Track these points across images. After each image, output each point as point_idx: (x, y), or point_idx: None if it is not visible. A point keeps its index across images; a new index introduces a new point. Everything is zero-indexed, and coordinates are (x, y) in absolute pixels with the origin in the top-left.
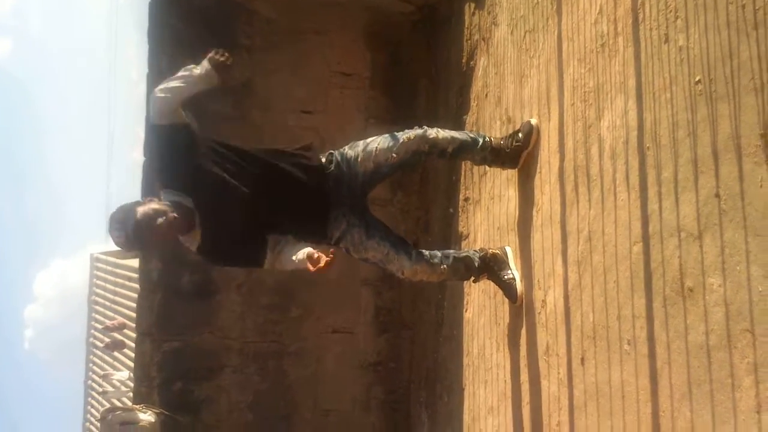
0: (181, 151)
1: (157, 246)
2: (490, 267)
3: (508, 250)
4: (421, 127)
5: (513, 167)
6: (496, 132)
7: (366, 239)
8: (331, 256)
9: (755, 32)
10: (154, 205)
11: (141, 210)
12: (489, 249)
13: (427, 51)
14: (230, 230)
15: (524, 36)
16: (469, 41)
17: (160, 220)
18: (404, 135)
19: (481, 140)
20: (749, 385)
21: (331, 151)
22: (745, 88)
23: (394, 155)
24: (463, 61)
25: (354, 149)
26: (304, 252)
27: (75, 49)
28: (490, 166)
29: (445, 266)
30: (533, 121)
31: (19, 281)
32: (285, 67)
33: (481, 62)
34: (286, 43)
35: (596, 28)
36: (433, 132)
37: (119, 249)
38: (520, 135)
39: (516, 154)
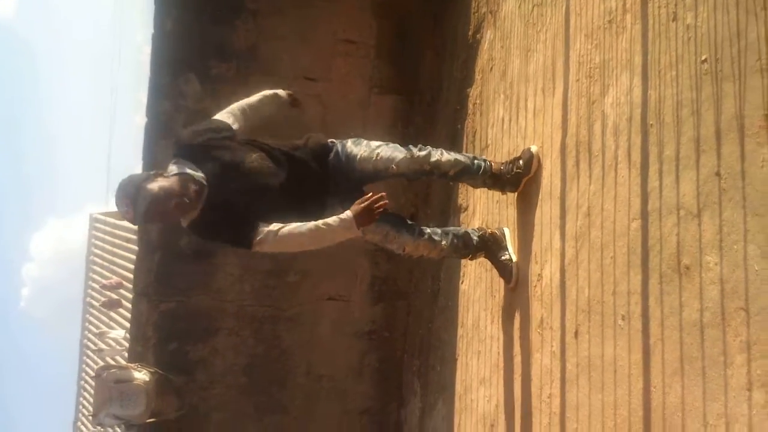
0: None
1: (159, 223)
2: (488, 246)
3: (506, 231)
4: (425, 147)
5: (513, 191)
6: (499, 109)
7: None
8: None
9: (764, 12)
10: (166, 184)
11: (152, 190)
12: (488, 229)
13: (433, 22)
14: (230, 211)
15: (532, 10)
16: (476, 14)
17: (173, 202)
18: (409, 152)
19: (482, 165)
20: (741, 363)
21: (333, 141)
22: (750, 68)
23: (394, 167)
24: (470, 33)
25: (358, 147)
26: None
27: (80, 9)
28: (489, 189)
29: (445, 243)
30: (533, 149)
31: (14, 240)
32: (290, 33)
33: (488, 35)
34: (291, 8)
35: (605, 4)
36: (437, 154)
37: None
38: (520, 162)
39: (517, 179)
